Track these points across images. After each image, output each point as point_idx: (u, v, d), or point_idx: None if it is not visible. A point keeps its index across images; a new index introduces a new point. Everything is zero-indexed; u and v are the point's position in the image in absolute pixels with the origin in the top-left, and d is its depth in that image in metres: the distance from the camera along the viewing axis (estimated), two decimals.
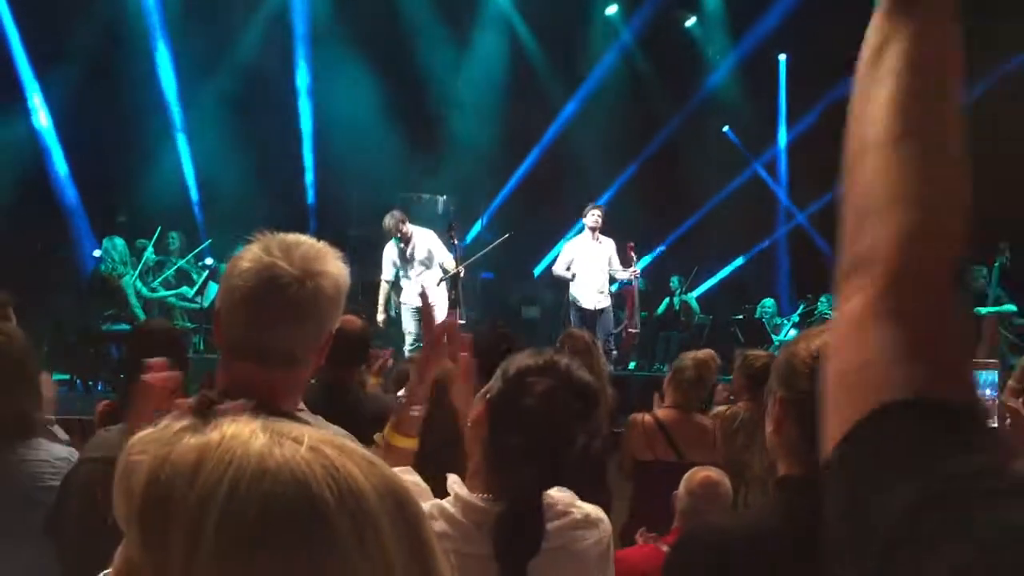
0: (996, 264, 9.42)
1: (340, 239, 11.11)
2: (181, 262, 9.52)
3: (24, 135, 10.41)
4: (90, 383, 7.78)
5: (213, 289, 8.60)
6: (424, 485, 1.64)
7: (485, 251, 9.72)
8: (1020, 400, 1.81)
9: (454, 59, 12.54)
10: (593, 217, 8.82)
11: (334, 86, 11.62)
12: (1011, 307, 9.42)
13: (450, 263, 8.53)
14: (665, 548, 2.97)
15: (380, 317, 8.59)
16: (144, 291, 8.80)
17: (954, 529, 0.57)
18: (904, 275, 0.70)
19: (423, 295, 2.28)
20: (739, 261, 13.64)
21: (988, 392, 1.78)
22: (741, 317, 11.94)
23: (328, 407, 2.29)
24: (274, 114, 11.47)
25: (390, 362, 4.24)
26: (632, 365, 10.24)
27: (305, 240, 1.60)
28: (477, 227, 11.96)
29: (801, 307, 11.17)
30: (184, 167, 11.34)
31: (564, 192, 12.62)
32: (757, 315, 11.51)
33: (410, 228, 8.57)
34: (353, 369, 3.20)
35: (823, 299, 11.05)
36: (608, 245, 9.00)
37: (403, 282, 8.63)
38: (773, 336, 10.56)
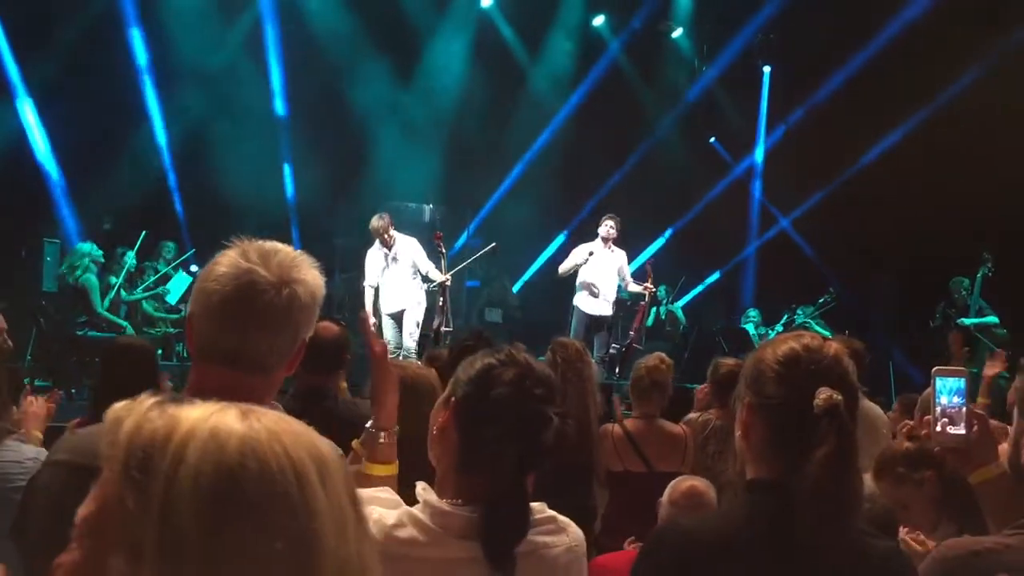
0: (979, 275, 9.47)
1: (326, 248, 11.25)
2: (167, 269, 9.50)
3: (11, 132, 10.37)
4: (73, 391, 7.73)
5: None
6: (396, 498, 1.65)
7: (469, 261, 9.75)
8: (985, 407, 1.83)
9: (441, 67, 12.57)
10: (606, 227, 8.84)
11: (316, 90, 11.62)
12: (993, 319, 9.44)
13: (435, 273, 8.52)
14: None
15: (372, 322, 8.49)
16: (123, 294, 8.77)
17: None
18: None
19: (363, 319, 2.27)
20: (724, 270, 13.71)
21: (956, 399, 1.79)
22: (724, 326, 12.00)
23: (304, 413, 2.29)
24: (252, 119, 11.45)
25: None
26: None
27: (282, 248, 1.61)
28: (464, 236, 11.99)
29: (784, 317, 11.22)
30: (168, 175, 11.34)
31: (551, 201, 12.69)
32: (742, 324, 11.57)
33: (394, 234, 8.57)
34: (329, 376, 3.19)
35: (799, 311, 11.11)
36: (620, 256, 9.02)
37: (382, 289, 8.59)
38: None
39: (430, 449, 1.67)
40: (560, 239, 12.49)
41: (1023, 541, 1.52)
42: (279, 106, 11.90)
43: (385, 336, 8.44)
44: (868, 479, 3.00)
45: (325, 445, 0.84)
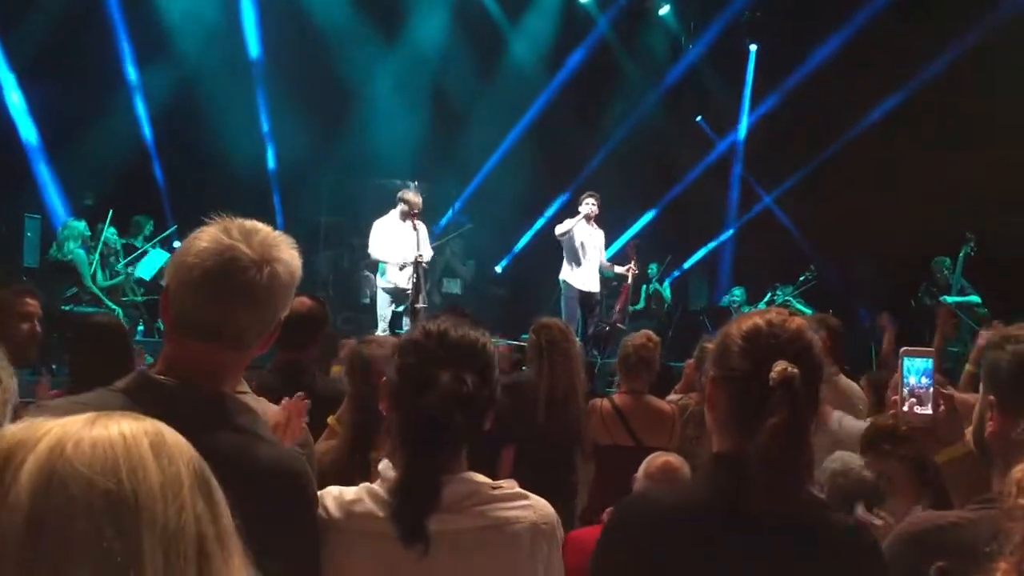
0: (961, 254, 9.52)
1: (311, 225, 11.21)
2: (147, 246, 9.44)
3: None
4: (53, 367, 7.69)
5: None
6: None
7: (444, 240, 9.68)
8: (951, 388, 1.85)
9: (427, 46, 12.49)
10: (589, 205, 8.79)
11: (297, 72, 11.54)
12: (975, 298, 9.48)
13: (428, 254, 8.46)
14: None
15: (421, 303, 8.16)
16: (100, 279, 8.69)
17: None
18: None
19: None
20: (708, 247, 13.74)
21: (924, 380, 1.81)
22: (708, 304, 12.04)
23: (282, 389, 2.30)
24: (235, 96, 11.35)
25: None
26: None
27: (263, 227, 1.62)
28: (449, 213, 11.97)
29: (768, 296, 11.27)
30: (150, 151, 11.26)
31: (537, 178, 12.68)
32: (726, 303, 11.61)
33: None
34: (306, 350, 3.20)
35: (779, 290, 11.15)
36: (600, 235, 9.01)
37: (388, 266, 8.29)
38: None
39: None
40: (545, 216, 12.47)
41: (986, 516, 1.54)
42: (261, 83, 11.80)
43: (382, 312, 8.33)
44: (847, 456, 3.04)
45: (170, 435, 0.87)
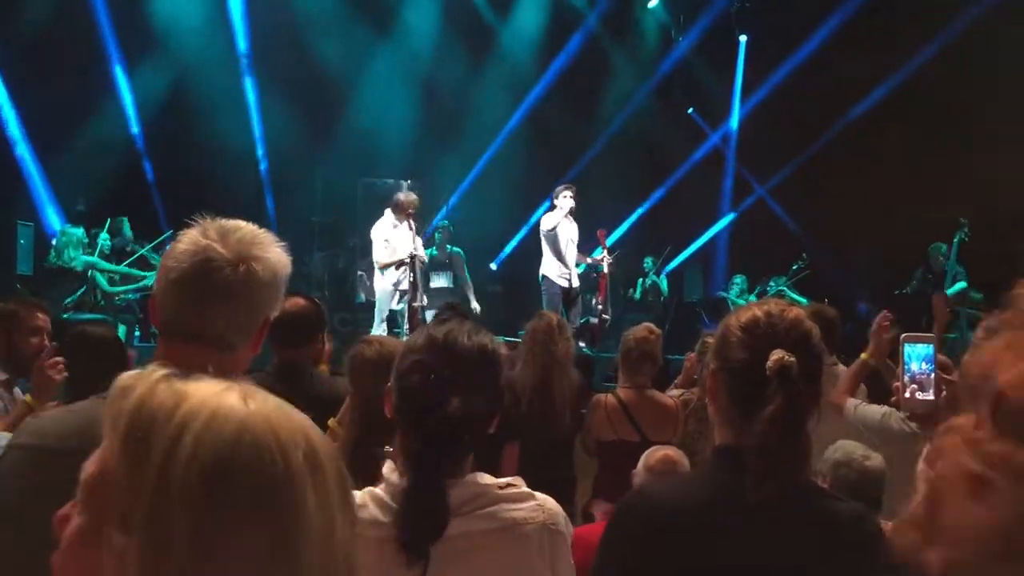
0: (955, 240, 9.51)
1: (304, 226, 11.19)
2: (142, 251, 9.40)
3: None
4: None
5: None
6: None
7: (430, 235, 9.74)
8: (955, 373, 1.84)
9: (417, 43, 12.46)
10: (567, 199, 8.75)
11: (288, 72, 11.50)
12: (963, 284, 9.43)
13: (422, 253, 8.50)
14: None
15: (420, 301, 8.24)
16: (104, 286, 8.66)
17: None
18: None
19: None
20: (703, 239, 13.74)
21: (925, 366, 1.80)
22: (704, 296, 12.02)
23: (280, 391, 2.28)
24: (226, 97, 11.31)
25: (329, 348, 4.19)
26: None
27: (244, 226, 1.61)
28: (443, 211, 11.93)
29: (757, 288, 11.27)
30: (141, 155, 11.22)
31: (531, 173, 12.65)
32: (726, 292, 11.58)
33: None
34: (302, 351, 3.18)
35: (771, 281, 11.14)
36: (574, 228, 8.98)
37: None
38: None
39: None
40: (540, 211, 12.43)
41: None
42: (251, 83, 11.77)
43: (383, 313, 8.34)
44: (849, 445, 3.03)
45: (320, 440, 0.84)
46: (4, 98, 10.35)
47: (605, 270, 9.10)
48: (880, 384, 3.69)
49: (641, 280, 11.98)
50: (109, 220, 9.04)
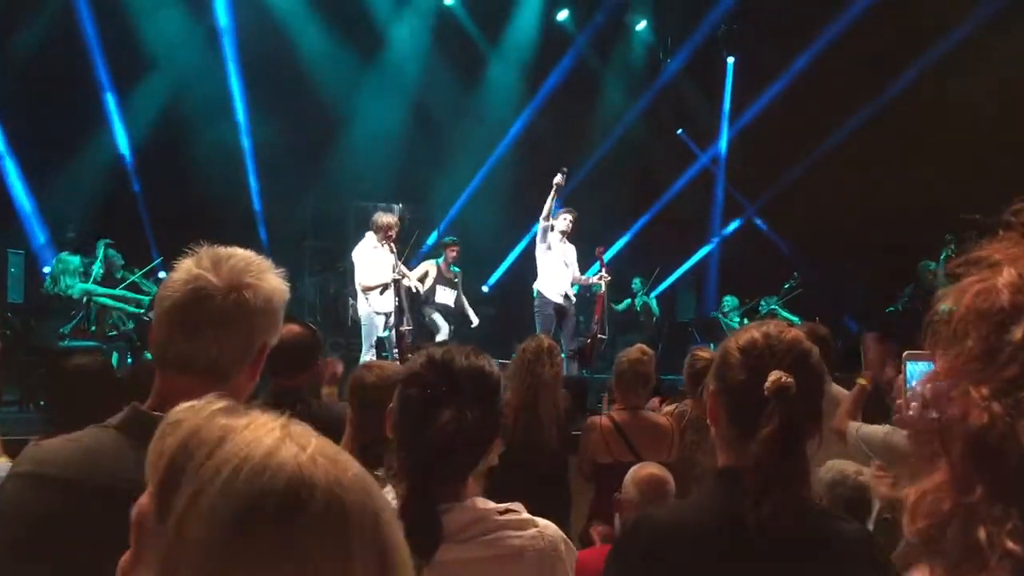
0: (942, 257, 9.57)
1: (295, 250, 11.17)
2: (133, 276, 9.36)
3: None
4: (41, 403, 7.60)
5: None
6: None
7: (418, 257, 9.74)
8: None
9: (408, 67, 12.53)
10: (566, 221, 8.79)
11: (279, 96, 11.54)
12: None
13: (411, 278, 8.51)
14: None
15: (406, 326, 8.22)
16: (102, 299, 8.63)
17: None
18: None
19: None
20: (694, 259, 13.79)
21: None
22: (696, 316, 12.04)
23: None
24: (216, 122, 11.33)
25: (339, 370, 4.20)
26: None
27: (238, 253, 1.61)
28: (434, 235, 11.95)
29: (748, 304, 11.29)
30: (132, 181, 11.22)
31: (521, 196, 12.68)
32: (718, 313, 11.60)
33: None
34: (299, 378, 3.17)
35: (763, 301, 11.16)
36: (571, 250, 9.00)
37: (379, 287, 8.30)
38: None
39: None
40: (531, 233, 12.46)
41: None
42: (241, 106, 11.80)
43: (371, 335, 8.31)
44: (839, 464, 3.04)
45: (366, 494, 0.78)
46: None
47: (602, 289, 9.10)
48: (873, 406, 3.69)
49: (630, 300, 11.99)
50: (103, 245, 9.01)
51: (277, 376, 3.12)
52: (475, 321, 9.24)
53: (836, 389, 4.21)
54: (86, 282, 8.49)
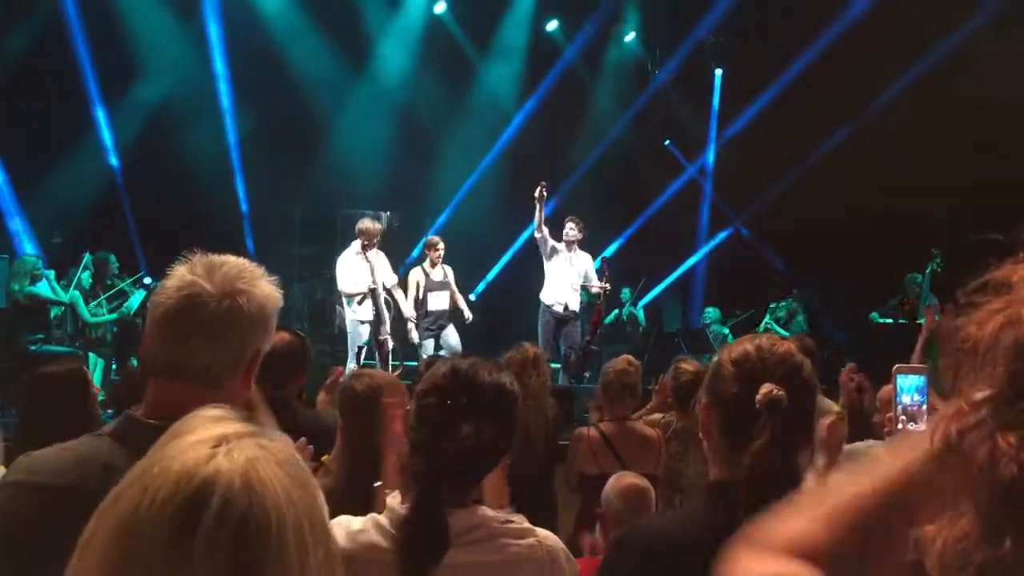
0: (927, 271, 9.62)
1: (284, 258, 11.13)
2: (122, 284, 9.29)
3: None
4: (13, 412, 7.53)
5: None
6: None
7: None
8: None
9: (396, 76, 12.53)
10: (571, 231, 8.80)
11: (267, 104, 11.51)
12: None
13: (391, 280, 8.47)
14: None
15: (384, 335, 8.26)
16: (87, 317, 8.56)
17: None
18: None
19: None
20: (681, 270, 13.83)
21: (916, 397, 1.81)
22: (682, 327, 12.05)
23: None
24: (205, 130, 11.30)
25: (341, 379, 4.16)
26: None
27: (230, 260, 1.61)
28: (422, 243, 11.91)
29: (733, 321, 11.31)
30: (119, 187, 11.16)
31: (510, 205, 12.70)
32: (700, 324, 11.65)
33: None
34: (288, 386, 3.15)
35: (768, 316, 11.17)
36: (584, 259, 8.98)
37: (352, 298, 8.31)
38: (715, 346, 10.67)
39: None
40: (519, 242, 12.49)
41: None
42: (230, 114, 11.77)
43: (357, 343, 8.28)
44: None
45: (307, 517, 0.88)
46: None
47: (601, 299, 9.09)
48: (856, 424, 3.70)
49: (617, 311, 12.00)
50: (89, 255, 8.96)
51: (266, 385, 3.09)
52: (469, 317, 9.14)
53: (825, 403, 4.22)
54: (67, 291, 8.45)
